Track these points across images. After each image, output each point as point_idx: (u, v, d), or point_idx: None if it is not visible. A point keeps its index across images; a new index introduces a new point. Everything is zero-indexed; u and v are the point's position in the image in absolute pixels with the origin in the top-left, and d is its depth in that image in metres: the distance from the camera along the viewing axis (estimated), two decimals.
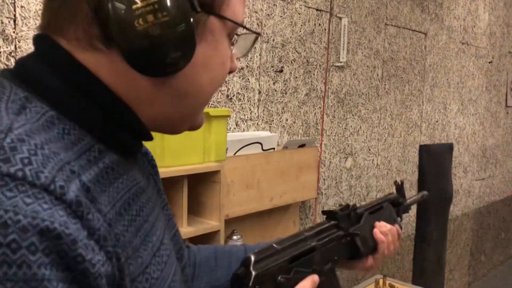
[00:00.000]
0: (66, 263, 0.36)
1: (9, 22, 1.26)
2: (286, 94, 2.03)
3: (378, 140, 2.62)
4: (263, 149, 1.72)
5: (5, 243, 0.34)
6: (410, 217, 2.97)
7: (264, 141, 1.72)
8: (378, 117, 2.59)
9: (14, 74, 0.46)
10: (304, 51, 2.09)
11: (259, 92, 1.91)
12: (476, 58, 3.45)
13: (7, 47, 1.26)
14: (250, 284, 0.61)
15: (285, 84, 2.02)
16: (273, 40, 1.95)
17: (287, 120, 2.04)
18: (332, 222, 0.80)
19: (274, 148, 1.76)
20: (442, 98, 3.14)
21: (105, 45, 0.45)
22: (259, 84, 1.91)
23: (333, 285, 0.75)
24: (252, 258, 0.62)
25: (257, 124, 1.92)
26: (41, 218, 0.35)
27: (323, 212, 0.83)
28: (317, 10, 2.14)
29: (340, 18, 2.25)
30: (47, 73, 0.46)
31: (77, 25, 0.45)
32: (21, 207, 0.35)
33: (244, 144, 1.65)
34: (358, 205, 0.87)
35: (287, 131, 2.05)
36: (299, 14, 2.05)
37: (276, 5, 1.94)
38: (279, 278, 0.64)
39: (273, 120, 1.98)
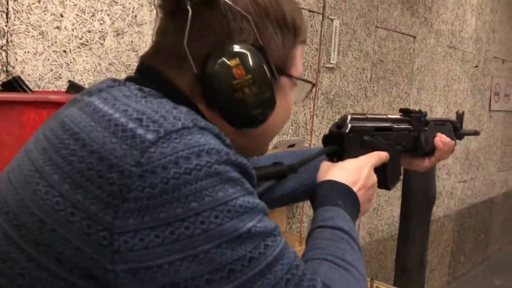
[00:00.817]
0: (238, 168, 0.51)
1: (1, 15, 1.24)
2: None
3: None
4: None
5: (203, 164, 0.47)
6: (394, 217, 3.02)
7: None
8: None
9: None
10: None
11: None
12: (463, 62, 3.50)
13: None
14: (347, 131, 0.78)
15: None
16: None
17: None
18: (406, 118, 0.96)
19: None
20: (429, 101, 3.18)
21: (205, 102, 0.58)
22: None
23: (397, 163, 0.90)
24: (349, 116, 0.79)
25: None
26: (210, 144, 0.49)
27: (401, 110, 0.98)
28: (309, 11, 2.15)
29: (332, 20, 2.27)
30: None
31: (183, 76, 0.59)
32: (199, 140, 0.48)
33: None
34: None
35: None
36: None
37: None
38: (365, 137, 0.80)
39: None
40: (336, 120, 0.82)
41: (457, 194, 3.72)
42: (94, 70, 1.43)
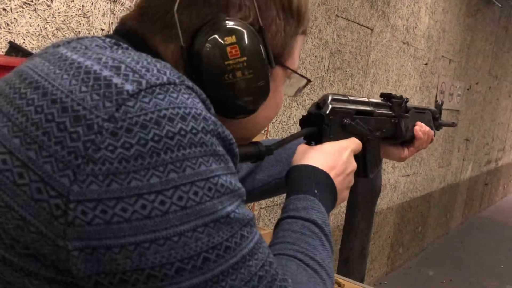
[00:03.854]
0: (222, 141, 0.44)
1: None
2: None
3: None
4: None
5: (188, 130, 0.40)
6: (341, 207, 3.04)
7: None
8: None
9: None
10: None
11: None
12: (414, 59, 3.57)
13: None
14: (327, 112, 0.72)
15: None
16: None
17: None
18: (387, 103, 0.91)
19: None
20: None
21: (189, 77, 0.49)
22: None
23: (377, 150, 0.86)
24: (330, 96, 0.74)
25: None
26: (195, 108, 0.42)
27: (382, 94, 0.94)
28: None
29: None
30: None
31: (168, 45, 0.51)
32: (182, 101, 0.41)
33: None
34: None
35: None
36: None
37: None
38: (345, 120, 0.75)
39: None
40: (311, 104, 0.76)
41: (400, 188, 3.81)
42: (39, 35, 1.27)
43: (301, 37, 0.60)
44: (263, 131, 2.13)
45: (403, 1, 3.23)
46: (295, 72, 0.60)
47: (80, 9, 1.36)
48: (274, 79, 0.57)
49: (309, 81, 0.64)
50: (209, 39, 0.49)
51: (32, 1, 1.24)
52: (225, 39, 0.50)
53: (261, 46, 0.52)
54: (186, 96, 0.42)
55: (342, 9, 2.59)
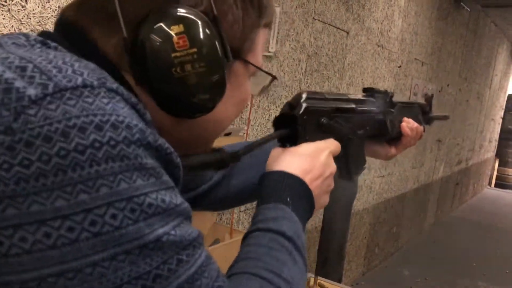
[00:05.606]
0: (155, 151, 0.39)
1: None
2: None
3: None
4: None
5: (104, 141, 0.35)
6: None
7: None
8: None
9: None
10: None
11: None
12: (388, 62, 3.62)
13: None
14: (301, 112, 0.66)
15: None
16: None
17: None
18: (371, 99, 0.84)
19: None
20: None
21: (133, 75, 0.45)
22: None
23: (361, 149, 0.81)
24: (304, 94, 0.68)
25: None
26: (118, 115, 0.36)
27: (364, 89, 0.87)
28: None
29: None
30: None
31: (109, 37, 0.45)
32: (103, 107, 0.36)
33: None
34: None
35: None
36: None
37: None
38: (322, 119, 0.70)
39: None
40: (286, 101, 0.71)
41: (375, 189, 3.86)
42: None
43: (264, 31, 0.55)
44: (241, 133, 2.12)
45: (378, 4, 3.27)
46: (258, 67, 0.54)
47: (56, 10, 1.32)
48: (235, 75, 0.52)
49: (274, 77, 0.58)
50: (153, 28, 0.44)
51: (5, 2, 1.20)
52: (171, 28, 0.44)
53: (214, 37, 0.46)
54: (105, 100, 0.36)
55: (318, 12, 2.60)
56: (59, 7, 1.32)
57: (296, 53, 2.47)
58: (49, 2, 1.30)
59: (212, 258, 0.43)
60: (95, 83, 0.37)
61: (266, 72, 0.57)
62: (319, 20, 2.62)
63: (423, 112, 1.02)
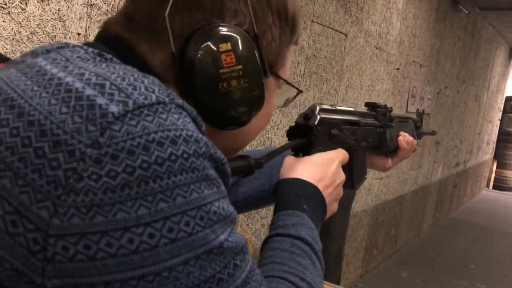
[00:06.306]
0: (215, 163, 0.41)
1: None
2: None
3: None
4: None
5: (179, 154, 0.37)
6: None
7: None
8: (297, 112, 2.60)
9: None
10: None
11: None
12: (387, 64, 3.63)
13: None
14: (316, 122, 0.71)
15: None
16: None
17: None
18: (373, 113, 0.90)
19: None
20: (354, 99, 3.25)
21: (179, 89, 0.48)
22: None
23: (363, 160, 0.86)
24: (318, 106, 0.73)
25: None
26: (187, 129, 0.39)
27: (366, 104, 0.93)
28: None
29: None
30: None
31: (156, 53, 0.48)
32: (175, 122, 0.38)
33: None
34: None
35: None
36: None
37: None
38: (333, 131, 0.75)
39: None
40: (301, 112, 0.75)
41: (373, 191, 3.86)
42: (13, 39, 1.23)
43: (293, 47, 0.59)
44: None
45: (376, 6, 3.28)
46: (289, 83, 0.58)
47: (55, 12, 1.32)
48: (268, 89, 0.54)
49: (299, 91, 0.62)
50: (202, 46, 0.47)
51: (5, 4, 1.20)
52: (219, 46, 0.47)
53: (256, 54, 0.49)
54: (176, 116, 0.39)
55: (317, 15, 2.61)
56: (59, 9, 1.32)
57: (294, 56, 2.47)
58: (49, 5, 1.30)
59: (255, 263, 0.45)
60: (167, 99, 0.39)
61: (294, 87, 0.60)
62: (317, 22, 2.63)
63: (415, 127, 1.10)
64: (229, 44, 0.47)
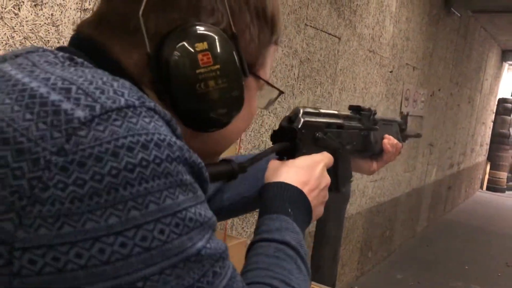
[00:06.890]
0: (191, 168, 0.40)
1: None
2: None
3: None
4: None
5: (150, 160, 0.36)
6: None
7: None
8: None
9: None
10: None
11: None
12: (380, 67, 3.65)
13: None
14: (300, 126, 0.70)
15: None
16: None
17: None
18: (357, 116, 0.90)
19: None
20: (348, 102, 3.27)
21: (155, 91, 0.46)
22: None
23: (348, 163, 0.85)
24: (301, 109, 0.72)
25: None
26: (159, 133, 0.38)
27: (350, 107, 0.92)
28: None
29: None
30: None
31: (131, 54, 0.46)
32: (146, 127, 0.37)
33: None
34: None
35: None
36: None
37: None
38: (317, 134, 0.74)
39: None
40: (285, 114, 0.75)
41: (368, 193, 3.88)
42: (6, 44, 1.23)
43: (273, 47, 0.57)
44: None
45: (369, 10, 3.30)
46: (268, 83, 0.57)
47: (49, 17, 1.32)
48: (248, 90, 0.53)
49: (281, 92, 0.60)
50: (178, 45, 0.45)
51: None
52: (196, 45, 0.45)
53: (235, 53, 0.48)
54: (147, 120, 0.37)
55: (310, 18, 2.62)
56: (52, 14, 1.33)
57: (288, 59, 2.48)
58: (42, 10, 1.30)
59: (236, 268, 0.44)
60: (136, 103, 0.38)
61: (275, 87, 0.59)
62: (311, 26, 2.64)
63: (400, 130, 1.09)
64: (205, 43, 0.46)
